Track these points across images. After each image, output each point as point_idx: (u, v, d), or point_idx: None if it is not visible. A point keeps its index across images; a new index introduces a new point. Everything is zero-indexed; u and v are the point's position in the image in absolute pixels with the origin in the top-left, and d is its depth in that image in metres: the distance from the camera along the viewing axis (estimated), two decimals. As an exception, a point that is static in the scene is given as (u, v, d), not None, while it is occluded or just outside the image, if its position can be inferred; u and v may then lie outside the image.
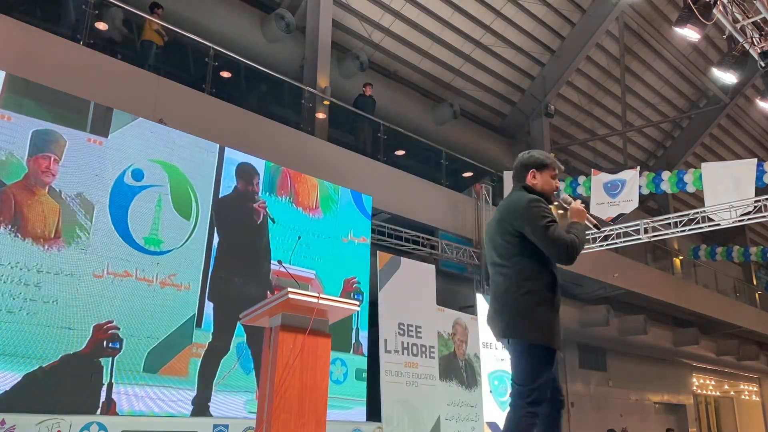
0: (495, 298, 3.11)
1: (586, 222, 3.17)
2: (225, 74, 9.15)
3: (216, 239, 6.85)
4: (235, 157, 7.28)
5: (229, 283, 6.87)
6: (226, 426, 6.41)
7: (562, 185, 10.66)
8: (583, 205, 3.20)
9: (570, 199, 3.23)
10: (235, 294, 6.83)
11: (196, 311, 6.52)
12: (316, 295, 3.68)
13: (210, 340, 6.55)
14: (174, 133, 6.84)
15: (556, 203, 3.21)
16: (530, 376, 2.94)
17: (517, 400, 2.99)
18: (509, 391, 9.27)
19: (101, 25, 7.99)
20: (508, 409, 3.04)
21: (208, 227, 6.83)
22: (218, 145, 7.13)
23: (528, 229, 2.98)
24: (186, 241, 6.62)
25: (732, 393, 22.86)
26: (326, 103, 10.63)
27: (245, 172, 7.31)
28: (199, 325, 6.51)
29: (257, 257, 7.24)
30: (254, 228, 7.28)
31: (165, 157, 6.67)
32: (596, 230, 3.28)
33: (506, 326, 3.02)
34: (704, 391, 21.34)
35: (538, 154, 3.24)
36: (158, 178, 6.58)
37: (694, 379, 20.56)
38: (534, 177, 3.17)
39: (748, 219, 9.39)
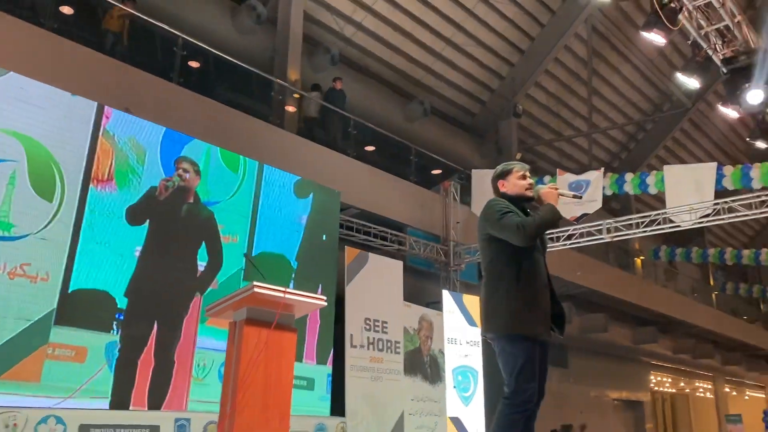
0: (481, 298, 3.37)
1: (563, 196, 3.41)
2: (194, 64, 9.02)
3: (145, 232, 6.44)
4: (121, 128, 6.48)
5: (147, 275, 6.40)
6: (188, 420, 6.32)
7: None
8: (554, 186, 3.40)
9: (540, 186, 3.46)
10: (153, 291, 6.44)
11: (56, 306, 5.68)
12: (283, 289, 3.66)
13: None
14: (40, 93, 5.86)
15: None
16: (507, 369, 3.11)
17: (503, 396, 3.12)
18: (472, 386, 9.38)
19: (66, 9, 7.80)
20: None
21: (76, 210, 5.98)
22: (93, 118, 6.28)
23: (489, 227, 3.26)
24: (46, 225, 5.76)
25: (687, 390, 23.46)
26: (296, 96, 10.56)
27: (177, 160, 6.93)
28: (59, 322, 5.68)
29: (173, 244, 6.79)
30: (159, 208, 6.72)
31: (22, 128, 5.72)
32: (578, 199, 3.69)
33: (484, 322, 3.30)
34: (661, 388, 21.86)
35: (501, 167, 3.54)
36: (11, 151, 5.65)
37: (652, 377, 21.05)
38: (503, 186, 3.46)
39: (707, 221, 9.62)
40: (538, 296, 3.20)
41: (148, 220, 6.58)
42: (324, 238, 8.35)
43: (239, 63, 9.30)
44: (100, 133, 6.37)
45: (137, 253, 6.43)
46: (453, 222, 11.40)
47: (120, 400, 5.99)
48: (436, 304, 9.96)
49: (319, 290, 7.91)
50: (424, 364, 9.16)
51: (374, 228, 10.06)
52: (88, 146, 6.24)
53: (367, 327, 8.30)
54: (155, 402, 6.25)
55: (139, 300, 6.31)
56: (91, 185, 6.21)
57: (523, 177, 3.43)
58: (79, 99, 6.27)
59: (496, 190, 3.50)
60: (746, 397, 26.57)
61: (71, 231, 5.99)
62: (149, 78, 7.81)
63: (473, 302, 9.88)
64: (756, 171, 9.52)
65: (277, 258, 7.73)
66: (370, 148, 11.27)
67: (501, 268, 3.22)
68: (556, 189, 3.34)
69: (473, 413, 9.58)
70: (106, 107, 6.47)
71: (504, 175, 3.46)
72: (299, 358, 7.54)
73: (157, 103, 7.59)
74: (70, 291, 5.88)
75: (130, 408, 6.05)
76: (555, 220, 3.26)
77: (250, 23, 10.76)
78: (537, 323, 3.15)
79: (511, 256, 3.20)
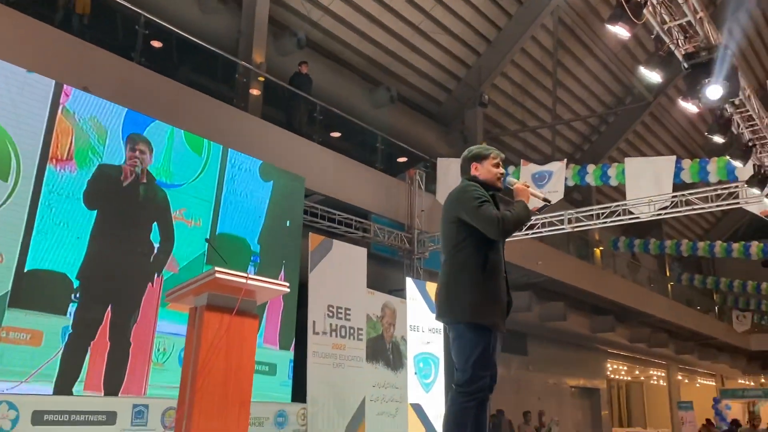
0: (438, 283, 3.31)
1: (535, 197, 3.39)
2: (156, 44, 8.80)
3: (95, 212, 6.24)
4: (82, 107, 6.28)
5: (102, 263, 6.23)
6: (146, 406, 6.23)
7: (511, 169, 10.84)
8: (526, 184, 3.39)
9: (514, 180, 3.42)
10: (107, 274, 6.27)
11: (11, 288, 5.53)
12: (245, 275, 3.61)
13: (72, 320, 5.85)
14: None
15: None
16: (462, 356, 3.08)
17: (454, 383, 3.11)
18: (434, 373, 9.45)
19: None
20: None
21: (32, 190, 5.82)
22: (51, 96, 6.06)
23: (462, 211, 3.19)
24: (1, 205, 5.62)
25: (642, 378, 24.10)
26: (261, 79, 10.41)
27: (131, 141, 6.69)
28: (14, 304, 5.54)
29: (136, 235, 6.60)
30: (132, 201, 6.62)
31: None
32: (548, 203, 3.60)
33: (440, 308, 3.25)
34: (617, 376, 22.41)
35: (477, 148, 3.48)
36: None
37: (609, 365, 21.55)
38: (476, 169, 3.39)
39: (666, 213, 9.85)
40: (499, 288, 3.19)
41: (105, 203, 6.40)
42: (288, 224, 8.28)
43: (203, 44, 9.11)
44: (60, 111, 6.18)
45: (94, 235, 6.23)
46: (417, 210, 11.43)
47: (65, 385, 5.81)
48: (400, 292, 9.98)
49: (281, 276, 7.86)
50: (386, 350, 9.19)
51: (339, 215, 10.02)
52: (45, 124, 6.04)
53: (330, 314, 8.28)
54: (112, 386, 6.13)
55: (92, 282, 6.14)
56: (49, 164, 6.02)
57: (497, 165, 3.39)
58: (35, 76, 6.07)
59: (466, 170, 3.41)
60: (698, 385, 27.46)
61: (27, 211, 5.81)
62: (110, 57, 7.59)
63: (436, 290, 9.93)
64: (713, 165, 9.77)
65: (240, 242, 7.64)
66: (336, 134, 11.20)
67: (467, 256, 3.16)
68: (528, 187, 3.34)
69: (434, 400, 9.67)
70: (65, 85, 6.28)
71: (480, 158, 3.39)
72: (260, 343, 7.46)
73: (118, 83, 7.40)
74: (25, 273, 5.70)
75: (84, 393, 5.91)
76: (528, 218, 3.28)
77: (215, 3, 10.55)
78: (498, 315, 3.15)
79: (478, 245, 3.16)
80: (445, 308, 3.21)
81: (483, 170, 3.36)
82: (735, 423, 17.22)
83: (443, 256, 3.30)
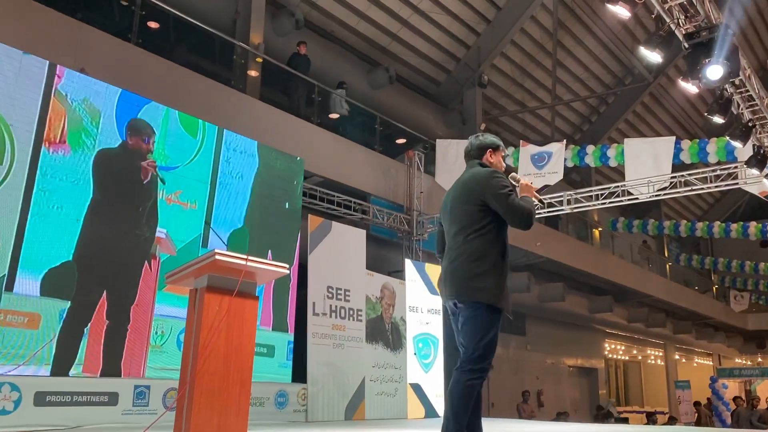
0: (450, 262, 3.37)
1: (533, 198, 3.49)
2: (153, 24, 8.73)
3: (90, 195, 6.23)
4: (74, 90, 6.26)
5: (99, 245, 6.23)
6: (148, 387, 6.28)
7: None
8: (532, 183, 3.55)
9: (518, 176, 3.57)
10: (104, 257, 6.26)
11: (7, 272, 5.57)
12: (245, 257, 3.62)
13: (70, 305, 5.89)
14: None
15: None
16: (476, 336, 3.19)
17: (462, 361, 3.22)
18: (433, 353, 9.52)
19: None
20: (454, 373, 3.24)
21: (27, 173, 5.81)
22: (44, 78, 6.05)
23: (490, 197, 3.30)
24: None
25: (639, 357, 24.27)
26: (259, 60, 10.35)
27: (137, 129, 6.68)
28: (10, 288, 5.56)
29: (137, 219, 6.63)
30: (139, 188, 6.67)
31: None
32: (542, 203, 3.66)
33: (458, 288, 3.31)
34: (614, 356, 22.57)
35: (491, 137, 3.67)
36: None
37: (606, 344, 21.69)
38: (491, 156, 3.58)
39: (664, 194, 9.84)
40: (508, 275, 3.37)
41: (99, 185, 6.37)
42: (287, 205, 8.28)
43: (200, 25, 9.04)
44: (53, 94, 6.15)
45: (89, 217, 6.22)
46: (416, 191, 11.43)
47: (62, 367, 5.83)
48: (399, 273, 10.02)
49: (269, 257, 7.75)
50: (385, 331, 9.24)
51: (338, 196, 10.02)
52: (39, 107, 6.02)
53: (330, 295, 8.31)
54: (109, 368, 6.15)
55: (89, 265, 6.13)
56: (43, 147, 6.00)
57: (504, 158, 3.65)
58: (30, 57, 6.03)
59: (478, 156, 3.57)
60: (695, 364, 27.65)
61: (22, 194, 5.80)
62: (106, 37, 7.53)
63: (435, 271, 9.97)
64: (712, 145, 9.76)
65: (240, 228, 7.65)
66: (334, 116, 11.15)
67: (490, 240, 3.29)
68: (532, 184, 3.50)
69: (433, 380, 9.74)
70: (58, 66, 6.23)
71: (495, 147, 3.61)
72: (257, 325, 7.43)
73: (114, 64, 7.35)
74: (21, 256, 5.71)
75: (83, 375, 5.95)
76: None
77: (212, -17, 10.45)
78: (509, 300, 3.31)
79: (499, 231, 3.34)
80: (464, 289, 3.27)
81: (495, 159, 3.59)
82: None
83: (459, 237, 3.35)
